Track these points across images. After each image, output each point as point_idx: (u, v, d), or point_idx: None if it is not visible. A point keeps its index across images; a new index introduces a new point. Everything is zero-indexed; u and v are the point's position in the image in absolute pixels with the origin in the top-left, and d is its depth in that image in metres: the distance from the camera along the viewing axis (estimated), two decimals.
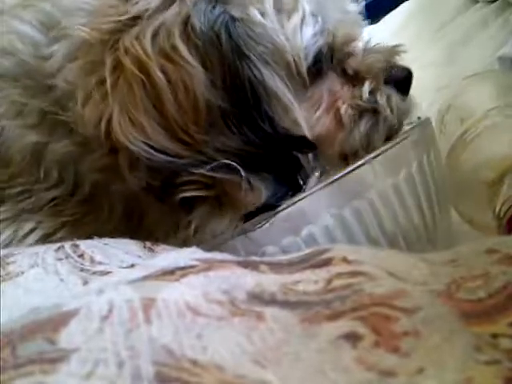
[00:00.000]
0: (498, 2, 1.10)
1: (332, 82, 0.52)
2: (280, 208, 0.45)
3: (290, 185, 0.48)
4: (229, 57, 0.44)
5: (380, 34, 1.40)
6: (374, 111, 0.52)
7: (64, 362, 0.20)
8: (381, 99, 0.52)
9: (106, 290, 0.25)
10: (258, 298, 0.24)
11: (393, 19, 1.43)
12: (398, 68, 0.56)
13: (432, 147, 0.51)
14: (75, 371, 0.19)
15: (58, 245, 0.38)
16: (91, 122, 0.44)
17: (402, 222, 0.47)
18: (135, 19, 0.44)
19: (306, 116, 0.49)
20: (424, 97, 0.94)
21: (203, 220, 0.48)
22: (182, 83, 0.43)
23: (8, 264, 0.34)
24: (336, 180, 0.45)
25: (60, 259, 0.35)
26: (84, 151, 0.48)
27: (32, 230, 0.49)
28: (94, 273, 0.33)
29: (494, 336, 0.20)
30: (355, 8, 0.57)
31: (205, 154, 0.44)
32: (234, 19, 0.45)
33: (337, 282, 0.25)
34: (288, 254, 0.42)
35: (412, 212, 0.48)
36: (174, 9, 0.44)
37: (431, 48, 1.12)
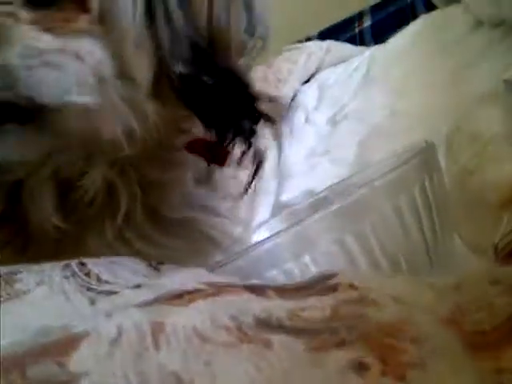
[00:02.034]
0: (503, 25, 1.10)
1: None
2: (261, 241, 0.45)
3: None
4: None
5: (384, 55, 1.40)
6: None
7: None
8: None
9: (114, 312, 0.25)
10: (265, 324, 0.24)
11: (398, 41, 1.44)
12: None
13: (435, 171, 0.51)
14: None
15: (65, 262, 0.38)
16: None
17: (403, 244, 0.47)
18: None
19: None
20: (429, 118, 0.95)
21: None
22: None
23: (15, 282, 0.34)
24: (337, 205, 0.45)
25: (67, 277, 0.35)
26: None
27: None
28: (101, 292, 0.33)
29: (498, 371, 0.20)
30: None
31: None
32: None
33: (343, 310, 0.25)
34: (292, 279, 0.42)
35: (414, 235, 0.48)
36: None
37: (437, 70, 1.13)
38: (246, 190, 0.57)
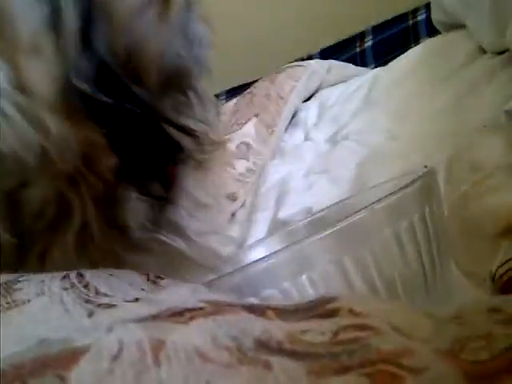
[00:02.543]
0: (506, 54, 1.11)
1: None
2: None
3: None
4: None
5: (386, 78, 1.41)
6: None
7: None
8: None
9: (115, 327, 0.25)
10: (265, 345, 0.24)
11: (400, 64, 1.45)
12: None
13: (435, 198, 0.51)
14: None
15: (64, 273, 0.38)
16: None
17: (401, 270, 0.47)
18: None
19: None
20: (429, 144, 0.95)
21: None
22: None
23: (15, 291, 0.34)
24: (337, 226, 0.45)
25: (66, 288, 0.35)
26: None
27: None
28: (99, 305, 0.33)
29: None
30: None
31: None
32: None
33: (344, 335, 0.25)
34: (289, 298, 0.42)
35: (412, 262, 0.48)
36: None
37: (438, 96, 1.14)
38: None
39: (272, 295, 0.44)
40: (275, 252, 0.46)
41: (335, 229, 0.45)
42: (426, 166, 0.55)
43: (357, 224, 0.46)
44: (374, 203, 0.46)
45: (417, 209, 0.48)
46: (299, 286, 0.45)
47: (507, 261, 0.50)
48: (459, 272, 0.57)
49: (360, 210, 0.46)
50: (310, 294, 0.44)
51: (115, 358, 0.22)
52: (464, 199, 0.58)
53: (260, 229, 1.06)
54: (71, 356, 0.23)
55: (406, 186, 0.48)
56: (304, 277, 0.45)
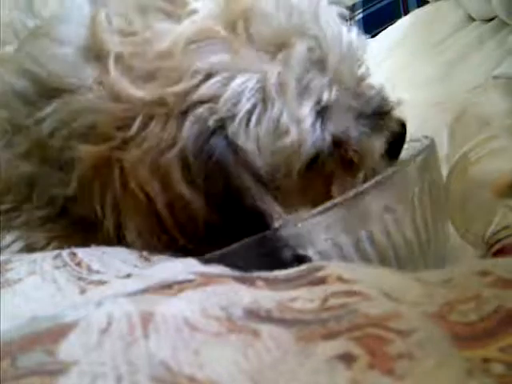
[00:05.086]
0: (494, 21, 1.11)
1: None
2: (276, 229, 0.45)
3: None
4: (223, 190, 0.46)
5: (376, 49, 1.40)
6: None
7: (63, 374, 0.20)
8: None
9: (104, 302, 0.25)
10: (255, 314, 0.24)
11: (389, 35, 1.44)
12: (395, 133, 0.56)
13: (434, 169, 0.51)
14: None
15: (56, 252, 0.38)
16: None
17: (394, 237, 0.47)
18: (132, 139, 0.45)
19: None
20: (419, 113, 0.95)
21: None
22: (181, 210, 0.45)
23: (6, 271, 0.34)
24: (335, 206, 0.45)
25: (58, 267, 0.35)
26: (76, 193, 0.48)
27: (14, 241, 0.50)
28: (91, 282, 0.33)
29: (486, 361, 0.21)
30: None
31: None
32: (228, 147, 0.46)
33: (332, 301, 0.25)
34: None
35: (406, 229, 0.48)
36: (170, 139, 0.45)
37: (427, 65, 1.13)
38: None
39: None
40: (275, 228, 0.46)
41: (331, 206, 0.45)
42: (426, 137, 0.54)
43: (356, 201, 0.46)
44: (373, 183, 0.46)
45: (417, 183, 0.48)
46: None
47: (498, 231, 0.50)
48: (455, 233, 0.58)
49: (361, 186, 0.46)
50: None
51: (104, 331, 0.23)
52: (464, 161, 0.58)
53: None
54: (60, 331, 0.23)
55: (408, 164, 0.49)
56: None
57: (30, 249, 0.49)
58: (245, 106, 0.45)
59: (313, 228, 0.45)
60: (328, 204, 0.45)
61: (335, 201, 0.45)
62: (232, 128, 0.45)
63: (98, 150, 0.45)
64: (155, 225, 0.46)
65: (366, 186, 0.46)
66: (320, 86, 0.48)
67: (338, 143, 0.51)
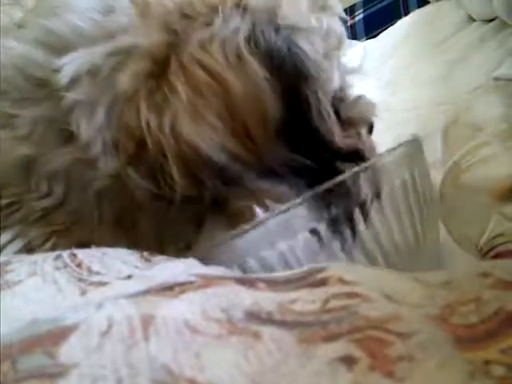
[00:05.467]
0: (494, 21, 1.11)
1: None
2: (261, 219, 0.45)
3: None
4: (290, 77, 0.46)
5: (377, 50, 1.41)
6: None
7: (64, 377, 0.20)
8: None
9: (105, 304, 0.25)
10: (256, 316, 0.24)
11: (390, 35, 1.44)
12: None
13: (417, 165, 0.51)
14: None
15: (57, 253, 0.38)
16: (150, 125, 0.45)
17: (382, 239, 0.47)
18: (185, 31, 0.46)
19: None
20: (420, 113, 0.95)
21: (213, 233, 0.49)
22: (253, 94, 0.45)
23: (7, 272, 0.34)
24: (315, 194, 0.45)
25: (58, 268, 0.35)
26: (81, 161, 0.48)
27: (13, 239, 0.50)
28: (92, 283, 0.33)
29: (487, 362, 0.21)
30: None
31: (265, 164, 0.46)
32: (295, 45, 0.47)
33: (333, 303, 0.25)
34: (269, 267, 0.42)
35: (393, 228, 0.48)
36: (235, 24, 0.45)
37: (428, 65, 1.13)
38: None
39: (253, 265, 0.44)
40: (257, 222, 0.46)
41: (312, 195, 0.45)
42: (412, 135, 0.55)
43: (336, 189, 0.46)
44: (356, 170, 0.46)
45: (398, 175, 0.48)
46: (279, 254, 0.45)
47: (493, 237, 0.51)
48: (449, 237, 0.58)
49: (341, 175, 0.46)
50: (291, 262, 0.44)
51: (105, 333, 0.22)
52: (455, 169, 0.58)
53: None
54: (61, 333, 0.23)
55: (387, 155, 0.49)
56: (282, 246, 0.45)
57: (28, 247, 0.49)
58: None
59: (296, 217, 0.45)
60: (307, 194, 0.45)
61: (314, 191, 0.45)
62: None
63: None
64: (225, 115, 0.45)
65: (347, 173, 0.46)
66: None
67: None
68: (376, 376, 0.20)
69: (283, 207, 0.45)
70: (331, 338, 0.22)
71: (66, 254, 0.38)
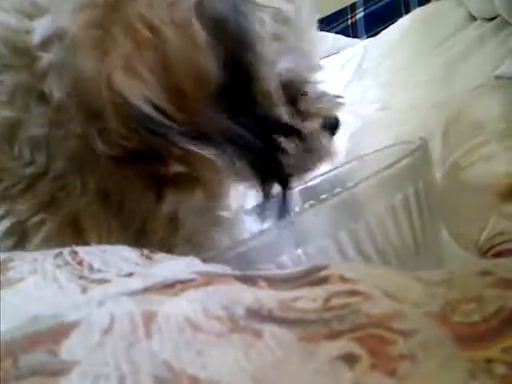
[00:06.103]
0: (495, 20, 1.10)
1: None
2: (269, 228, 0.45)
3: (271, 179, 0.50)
4: (234, 46, 0.47)
5: (377, 49, 1.40)
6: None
7: (65, 375, 0.20)
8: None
9: (106, 301, 0.25)
10: (257, 314, 0.24)
11: (390, 34, 1.44)
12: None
13: (428, 170, 0.51)
14: None
15: (57, 251, 0.38)
16: (92, 76, 0.46)
17: (394, 241, 0.47)
18: None
19: None
20: (420, 113, 0.95)
21: (175, 203, 0.50)
22: (192, 55, 0.46)
23: (8, 270, 0.34)
24: (331, 199, 0.45)
25: (59, 266, 0.35)
26: (56, 123, 0.49)
27: (3, 217, 0.50)
28: (93, 281, 0.33)
29: (488, 361, 0.21)
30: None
31: (197, 127, 0.46)
32: (244, 16, 0.48)
33: (335, 301, 0.25)
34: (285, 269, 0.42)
35: (405, 232, 0.48)
36: None
37: (428, 64, 1.13)
38: None
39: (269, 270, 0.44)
40: (270, 227, 0.46)
41: (331, 202, 0.45)
42: (420, 138, 0.55)
43: (352, 198, 0.46)
44: (369, 176, 0.46)
45: (411, 181, 0.48)
46: (295, 259, 0.45)
47: (492, 236, 0.50)
48: (449, 236, 0.58)
49: (356, 184, 0.46)
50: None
51: (106, 331, 0.22)
52: (455, 167, 0.58)
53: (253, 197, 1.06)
54: (62, 331, 0.23)
55: (400, 160, 0.48)
56: (300, 251, 0.45)
57: (16, 223, 0.49)
58: None
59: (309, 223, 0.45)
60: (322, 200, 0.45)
61: (332, 199, 0.45)
62: None
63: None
64: (159, 72, 0.46)
65: (361, 178, 0.47)
66: None
67: None
68: (377, 375, 0.20)
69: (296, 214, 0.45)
70: (333, 335, 0.22)
71: (66, 251, 0.38)
